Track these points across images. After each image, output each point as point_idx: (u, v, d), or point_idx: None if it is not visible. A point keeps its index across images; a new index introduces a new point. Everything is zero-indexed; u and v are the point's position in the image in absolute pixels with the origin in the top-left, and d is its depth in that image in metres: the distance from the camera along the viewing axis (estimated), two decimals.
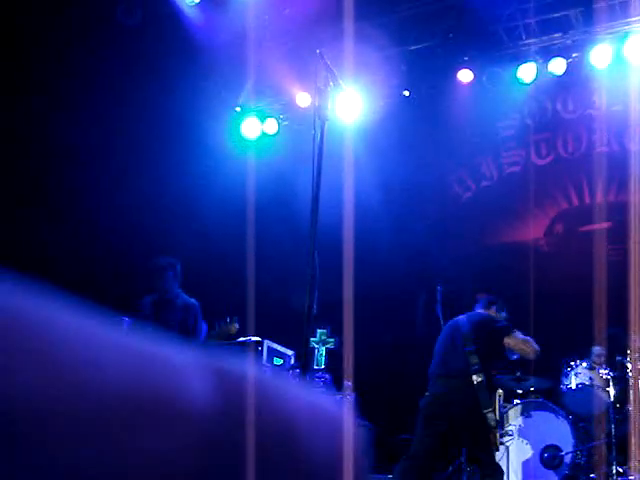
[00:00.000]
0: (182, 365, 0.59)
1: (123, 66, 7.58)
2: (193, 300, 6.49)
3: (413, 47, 8.39)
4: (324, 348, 7.38)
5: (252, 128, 9.18)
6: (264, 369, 0.71)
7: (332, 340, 7.39)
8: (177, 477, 0.56)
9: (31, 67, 7.11)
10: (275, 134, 9.30)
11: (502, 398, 6.63)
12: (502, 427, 6.29)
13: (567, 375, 6.55)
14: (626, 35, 7.57)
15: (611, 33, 7.71)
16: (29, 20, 7.00)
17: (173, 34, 8.00)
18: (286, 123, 9.23)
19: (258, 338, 6.72)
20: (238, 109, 9.16)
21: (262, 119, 9.20)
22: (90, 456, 0.52)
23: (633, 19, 7.49)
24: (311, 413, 0.67)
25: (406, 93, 8.60)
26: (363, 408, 7.16)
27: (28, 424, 0.49)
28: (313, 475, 0.65)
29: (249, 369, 0.64)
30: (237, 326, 5.79)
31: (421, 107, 8.83)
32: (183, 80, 8.29)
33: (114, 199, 7.69)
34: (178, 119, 8.49)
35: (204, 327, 6.26)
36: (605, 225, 7.79)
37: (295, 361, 7.22)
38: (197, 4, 8.03)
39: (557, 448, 6.36)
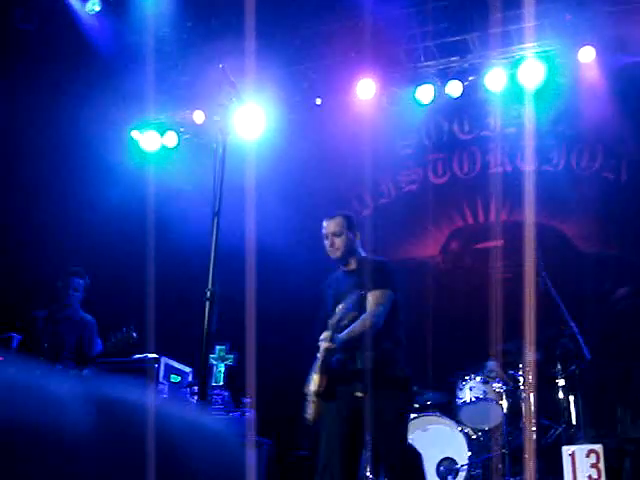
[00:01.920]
0: (61, 396, 0.59)
1: (19, 70, 7.35)
2: (89, 316, 6.32)
3: (316, 63, 8.46)
4: (223, 365, 7.30)
5: (151, 141, 9.03)
6: (149, 393, 0.70)
7: (231, 357, 7.32)
8: None
9: None
10: (175, 147, 9.17)
11: None
12: None
13: (462, 389, 6.69)
14: (520, 60, 7.87)
15: (506, 58, 8.00)
16: None
17: (70, 42, 7.81)
18: (187, 136, 9.13)
19: (155, 355, 6.59)
20: (136, 121, 9.01)
21: (162, 132, 9.07)
22: None
23: (527, 45, 7.80)
24: (197, 434, 0.67)
25: (318, 101, 8.66)
26: (262, 425, 7.12)
27: None
28: None
29: (132, 396, 0.65)
30: (135, 335, 5.66)
31: (321, 122, 8.90)
32: (80, 88, 8.09)
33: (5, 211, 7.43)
34: (74, 128, 8.27)
35: (99, 344, 6.10)
36: (498, 243, 8.03)
37: (193, 378, 7.11)
38: (97, 12, 7.86)
39: (453, 461, 6.48)
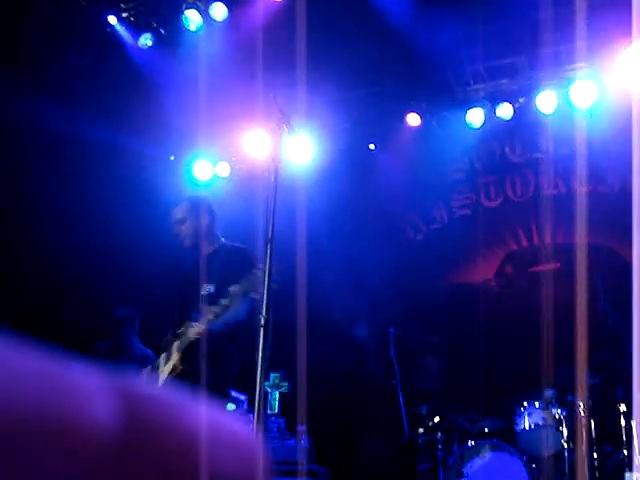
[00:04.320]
0: (86, 387, 0.60)
1: (74, 106, 7.54)
2: (149, 351, 6.42)
3: (362, 92, 8.51)
4: (277, 392, 7.30)
5: (204, 171, 9.16)
6: (172, 391, 0.72)
7: (285, 384, 7.32)
8: None
9: None
10: (227, 176, 9.30)
11: (457, 440, 6.64)
12: (457, 469, 6.28)
13: (521, 415, 6.57)
14: (571, 81, 7.78)
15: (556, 79, 7.93)
16: None
17: (124, 76, 7.99)
18: (238, 166, 9.24)
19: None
20: (188, 152, 9.15)
21: (214, 162, 9.21)
22: None
23: (578, 65, 7.71)
24: (217, 432, 0.69)
25: (371, 147, 8.73)
26: (317, 453, 7.09)
27: None
28: None
29: (154, 390, 0.66)
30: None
31: (373, 150, 8.93)
32: (134, 121, 8.26)
33: (70, 245, 7.59)
34: (129, 161, 8.44)
35: None
36: (553, 266, 7.91)
37: (247, 405, 7.13)
38: (149, 47, 8.04)
39: None
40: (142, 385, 0.67)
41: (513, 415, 6.65)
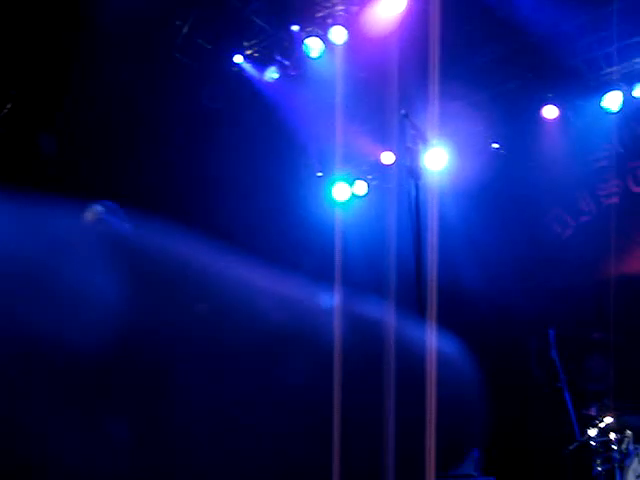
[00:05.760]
0: (325, 308, 0.71)
1: (214, 147, 7.86)
2: None
3: (493, 92, 8.38)
4: None
5: (342, 191, 9.32)
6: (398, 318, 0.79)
7: None
8: (320, 391, 0.68)
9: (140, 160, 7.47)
10: (365, 195, 9.41)
11: (633, 439, 6.36)
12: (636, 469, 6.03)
13: None
14: None
15: None
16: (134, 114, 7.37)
17: (256, 111, 8.25)
18: (375, 183, 9.32)
19: None
20: (320, 174, 9.33)
21: (350, 182, 9.35)
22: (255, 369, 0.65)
23: None
24: (436, 353, 0.76)
25: (495, 146, 8.59)
26: (486, 462, 6.99)
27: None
28: (441, 403, 0.73)
29: (382, 315, 0.75)
30: None
31: (509, 150, 8.77)
32: (270, 153, 8.49)
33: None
34: (269, 190, 8.68)
35: None
36: None
37: None
38: (276, 79, 8.27)
39: None
40: (371, 311, 0.77)
41: None
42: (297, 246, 8.70)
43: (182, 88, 7.92)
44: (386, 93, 6.48)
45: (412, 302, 3.99)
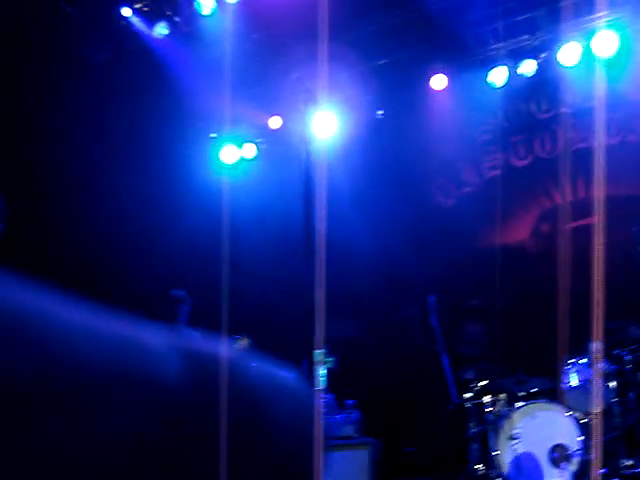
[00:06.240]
0: (157, 347, 0.70)
1: (98, 101, 7.59)
2: (196, 334, 6.47)
3: (383, 61, 8.43)
4: (324, 368, 7.34)
5: (230, 154, 9.18)
6: (232, 350, 0.79)
7: (331, 359, 7.36)
8: (147, 444, 0.67)
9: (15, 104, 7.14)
10: (254, 158, 9.31)
11: (506, 401, 6.63)
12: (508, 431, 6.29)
13: (568, 373, 6.55)
14: (593, 32, 7.64)
15: (577, 31, 7.78)
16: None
17: (144, 68, 8.00)
18: (264, 146, 9.24)
19: None
20: (214, 135, 9.17)
21: (239, 145, 9.21)
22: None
23: (598, 15, 7.56)
24: (273, 387, 0.75)
25: (380, 112, 8.65)
26: (367, 424, 7.14)
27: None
28: (278, 440, 0.73)
29: (216, 350, 0.75)
30: (247, 341, 5.81)
31: (396, 119, 8.87)
32: (158, 112, 8.27)
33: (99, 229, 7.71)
34: (155, 150, 8.47)
35: None
36: (592, 220, 7.81)
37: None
38: (166, 35, 8.04)
39: (565, 447, 6.35)
40: (205, 347, 0.77)
41: (560, 373, 6.62)
42: (181, 207, 8.57)
43: (66, 40, 7.59)
44: (277, 55, 6.45)
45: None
